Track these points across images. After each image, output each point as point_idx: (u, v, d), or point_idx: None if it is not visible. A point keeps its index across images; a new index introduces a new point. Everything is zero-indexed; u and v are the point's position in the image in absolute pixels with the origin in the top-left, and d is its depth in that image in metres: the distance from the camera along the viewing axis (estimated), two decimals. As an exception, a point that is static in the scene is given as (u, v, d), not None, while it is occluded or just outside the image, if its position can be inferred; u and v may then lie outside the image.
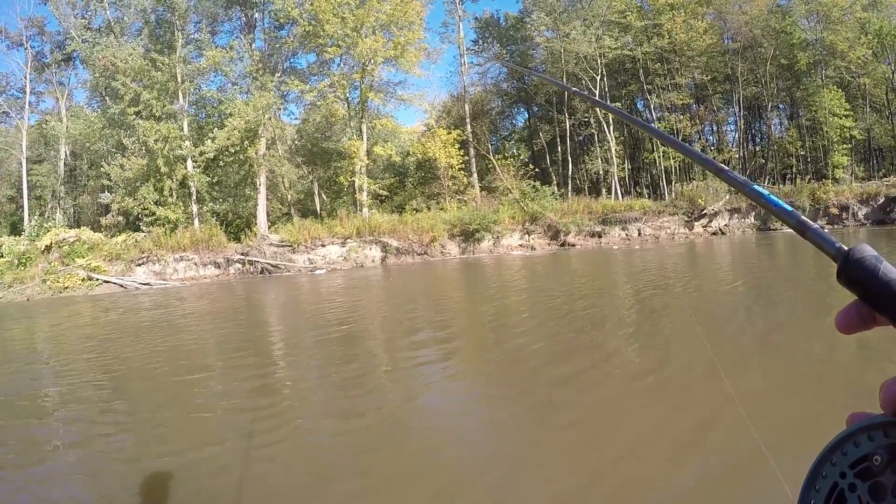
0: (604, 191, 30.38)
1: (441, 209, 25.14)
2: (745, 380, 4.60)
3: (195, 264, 19.63)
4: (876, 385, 0.39)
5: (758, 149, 34.50)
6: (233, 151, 23.08)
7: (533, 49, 33.05)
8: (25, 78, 30.12)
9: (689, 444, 3.58)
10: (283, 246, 20.71)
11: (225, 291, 15.88)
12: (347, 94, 26.05)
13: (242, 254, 19.94)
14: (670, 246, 21.04)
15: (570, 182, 30.92)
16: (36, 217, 24.61)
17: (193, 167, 23.00)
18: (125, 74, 22.13)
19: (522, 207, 24.39)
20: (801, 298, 8.53)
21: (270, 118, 24.47)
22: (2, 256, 18.46)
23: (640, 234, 24.17)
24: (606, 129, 29.71)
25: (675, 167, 30.82)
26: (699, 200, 24.72)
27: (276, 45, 26.15)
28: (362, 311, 10.76)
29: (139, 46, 23.33)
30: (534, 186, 25.94)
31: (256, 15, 26.36)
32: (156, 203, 22.37)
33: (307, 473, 3.58)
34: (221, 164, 23.87)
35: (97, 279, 17.74)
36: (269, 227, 23.78)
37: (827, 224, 23.26)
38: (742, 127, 32.56)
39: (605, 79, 30.36)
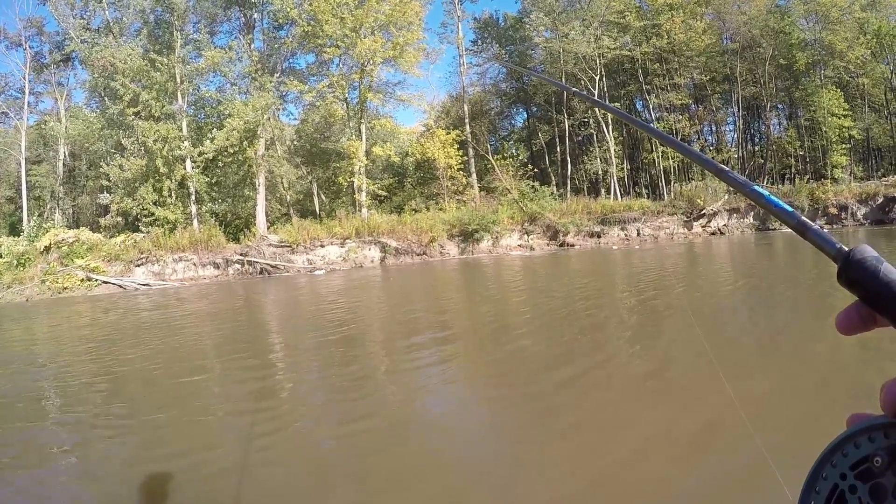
0: (603, 191, 30.39)
1: (440, 209, 25.14)
2: (746, 382, 4.60)
3: (194, 265, 19.61)
4: (876, 386, 0.39)
5: (757, 149, 34.52)
6: (232, 152, 23.07)
7: (532, 49, 33.06)
8: (24, 78, 30.08)
9: (691, 446, 3.58)
10: (282, 246, 20.70)
11: (224, 292, 15.86)
12: (346, 95, 26.05)
13: (241, 254, 19.93)
14: (669, 246, 21.05)
15: (569, 182, 30.93)
16: (35, 218, 24.58)
17: (192, 168, 22.98)
18: (124, 75, 22.11)
19: (521, 208, 24.39)
20: (802, 299, 8.54)
21: (269, 118, 24.46)
22: (1, 257, 18.44)
23: (639, 234, 24.17)
24: (605, 130, 29.71)
25: (674, 167, 30.84)
26: (698, 200, 24.74)
27: (275, 46, 26.13)
28: (362, 311, 10.75)
29: (138, 47, 23.29)
30: (533, 187, 25.95)
31: (255, 15, 26.36)
32: (155, 203, 22.34)
33: (307, 475, 3.57)
34: (220, 164, 23.84)
35: (96, 280, 17.73)
36: (268, 228, 23.77)
37: (826, 224, 23.26)
38: (741, 127, 32.59)
39: (604, 79, 30.38)
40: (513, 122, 40.13)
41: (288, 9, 23.54)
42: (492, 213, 23.34)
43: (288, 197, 28.40)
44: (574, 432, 3.95)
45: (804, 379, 4.67)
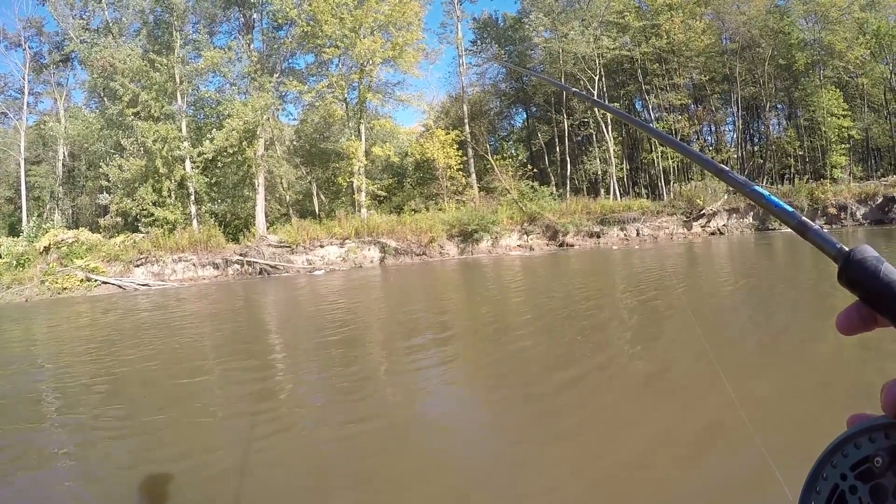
0: (602, 191, 30.40)
1: (439, 210, 25.14)
2: (748, 382, 4.59)
3: (194, 265, 19.60)
4: (877, 386, 0.39)
5: (756, 149, 34.55)
6: (231, 152, 23.05)
7: (531, 49, 33.07)
8: (24, 78, 30.05)
9: (693, 447, 3.57)
10: (281, 247, 20.69)
11: (224, 292, 15.85)
12: (346, 95, 26.03)
13: (241, 254, 19.92)
14: (669, 246, 21.05)
15: (568, 182, 30.93)
16: (34, 218, 24.57)
17: (192, 168, 22.98)
18: (123, 75, 22.10)
19: (521, 208, 24.39)
20: (802, 299, 8.54)
21: (269, 119, 24.46)
22: (0, 257, 18.42)
23: (638, 234, 24.18)
24: (605, 130, 29.71)
25: (674, 167, 30.86)
26: (697, 200, 24.74)
27: (275, 46, 26.12)
28: (361, 312, 10.74)
29: (137, 47, 23.29)
30: (532, 187, 25.95)
31: (255, 15, 26.35)
32: (154, 204, 22.34)
33: (307, 476, 3.57)
34: (220, 164, 23.83)
35: (96, 280, 17.72)
36: (268, 228, 23.76)
37: (825, 224, 23.27)
38: (740, 127, 32.61)
39: (604, 79, 30.38)
40: (512, 122, 40.23)
41: (287, 9, 23.53)
42: (491, 214, 23.34)
43: (287, 197, 28.39)
44: (575, 433, 3.95)
45: (805, 379, 4.66)
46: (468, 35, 34.88)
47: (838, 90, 29.54)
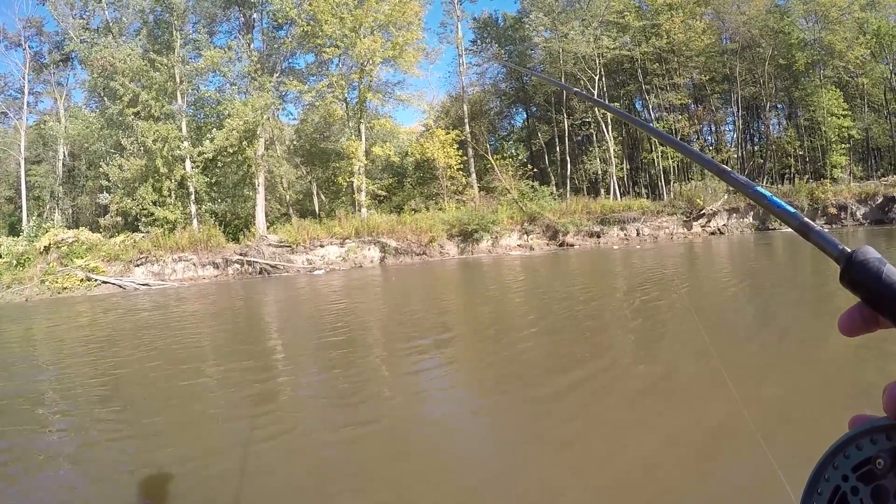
0: (602, 191, 30.39)
1: (440, 209, 25.13)
2: (752, 384, 4.57)
3: (194, 265, 19.60)
4: (879, 387, 0.39)
5: (756, 149, 34.54)
6: (231, 152, 23.06)
7: (531, 49, 33.05)
8: (24, 78, 30.05)
9: (697, 450, 3.56)
10: (281, 246, 20.69)
11: (224, 292, 15.85)
12: (346, 95, 26.03)
13: (241, 254, 19.92)
14: (669, 246, 21.04)
15: (568, 182, 30.92)
16: (34, 218, 24.56)
17: (192, 167, 22.97)
18: (123, 75, 22.09)
19: (521, 207, 24.39)
20: (804, 300, 8.54)
21: (269, 118, 24.45)
22: (0, 257, 18.42)
23: (638, 234, 24.18)
24: (605, 129, 29.71)
25: (674, 167, 30.85)
26: (698, 200, 24.74)
27: (275, 46, 26.12)
28: (362, 312, 10.74)
29: (137, 47, 23.27)
30: (532, 186, 25.96)
31: (255, 15, 26.33)
32: (154, 203, 22.33)
33: (308, 478, 3.57)
34: (220, 164, 23.84)
35: (96, 280, 17.71)
36: (268, 228, 23.76)
37: (825, 224, 23.26)
38: (740, 127, 32.59)
39: (604, 79, 30.37)
40: (512, 121, 40.22)
41: (287, 9, 23.53)
42: (491, 213, 23.34)
43: (287, 197, 28.39)
44: (578, 437, 3.93)
45: (808, 380, 4.66)
46: (468, 35, 34.94)
47: (838, 90, 29.55)
